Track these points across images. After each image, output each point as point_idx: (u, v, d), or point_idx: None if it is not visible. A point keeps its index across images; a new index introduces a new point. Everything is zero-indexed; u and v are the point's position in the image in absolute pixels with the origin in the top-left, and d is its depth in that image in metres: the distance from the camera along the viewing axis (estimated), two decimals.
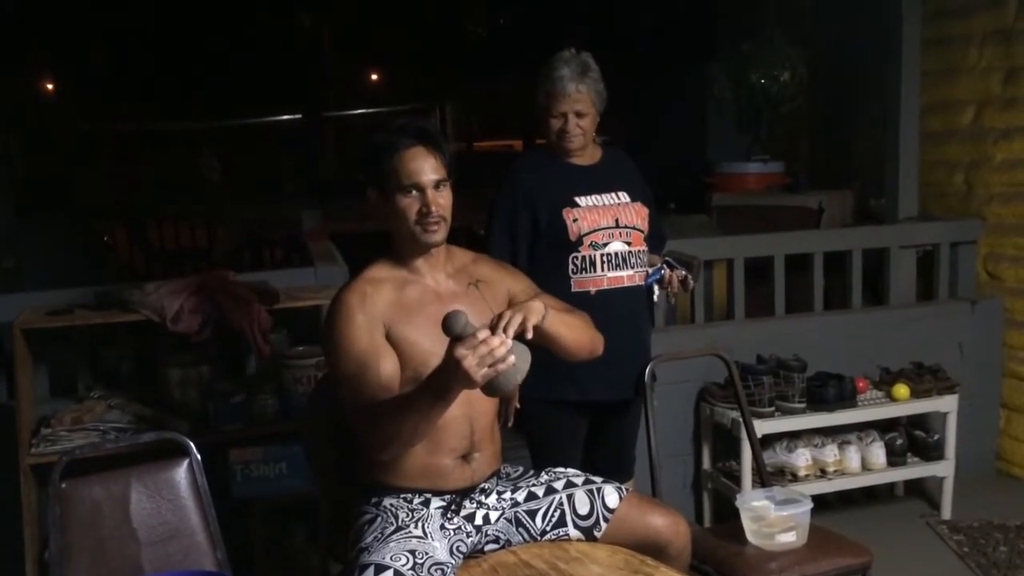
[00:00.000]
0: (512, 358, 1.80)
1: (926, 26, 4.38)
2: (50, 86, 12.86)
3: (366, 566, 1.90)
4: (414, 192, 2.06)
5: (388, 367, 2.01)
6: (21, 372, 2.92)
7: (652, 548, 2.11)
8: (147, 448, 2.45)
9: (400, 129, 2.11)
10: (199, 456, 2.28)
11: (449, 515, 2.09)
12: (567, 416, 2.69)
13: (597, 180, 2.73)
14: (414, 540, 1.97)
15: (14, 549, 2.89)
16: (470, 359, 1.74)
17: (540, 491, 2.17)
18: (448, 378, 1.80)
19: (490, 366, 1.75)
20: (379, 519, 2.04)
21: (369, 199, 2.13)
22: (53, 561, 2.14)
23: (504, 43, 14.34)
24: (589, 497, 2.16)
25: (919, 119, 4.42)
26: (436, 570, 1.91)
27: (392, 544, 1.95)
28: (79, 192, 11.02)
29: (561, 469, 2.26)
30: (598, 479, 2.22)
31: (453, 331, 1.81)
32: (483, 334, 1.77)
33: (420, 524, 2.03)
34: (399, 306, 2.06)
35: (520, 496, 2.16)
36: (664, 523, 2.14)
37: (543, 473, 2.23)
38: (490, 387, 1.82)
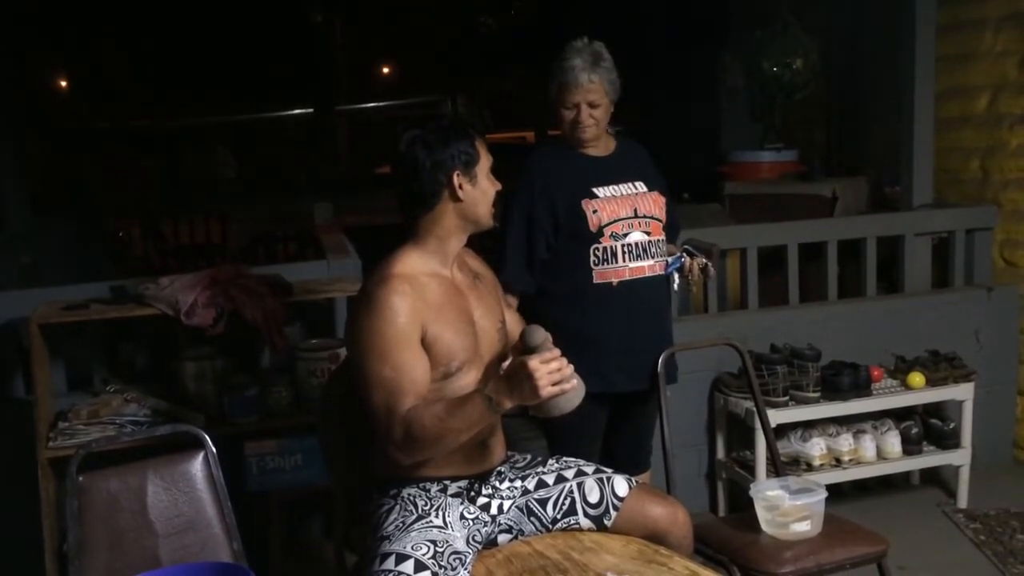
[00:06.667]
0: (576, 381, 1.86)
1: (940, 11, 4.34)
2: (65, 84, 12.93)
3: (387, 555, 1.91)
4: None
5: (424, 372, 1.97)
6: (38, 366, 2.94)
7: (652, 538, 2.11)
8: (163, 441, 2.46)
9: None
10: (214, 449, 2.29)
11: (466, 502, 2.08)
12: (587, 407, 2.66)
13: (614, 170, 2.73)
14: (435, 530, 1.98)
15: (33, 542, 2.91)
16: (542, 371, 1.80)
17: (550, 479, 2.17)
18: (511, 388, 1.83)
19: (556, 384, 1.81)
20: (398, 508, 2.04)
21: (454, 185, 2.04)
22: (71, 554, 2.15)
23: (516, 34, 14.29)
24: (599, 485, 2.16)
25: (934, 105, 4.38)
26: (455, 559, 1.92)
27: (414, 534, 1.96)
28: (94, 189, 11.09)
29: (571, 458, 2.25)
30: (608, 470, 2.22)
31: (533, 342, 1.86)
32: (557, 351, 1.83)
33: (440, 513, 2.03)
34: (431, 303, 2.01)
35: (530, 484, 2.16)
36: (662, 513, 2.14)
37: (552, 460, 2.23)
38: (546, 406, 1.87)
